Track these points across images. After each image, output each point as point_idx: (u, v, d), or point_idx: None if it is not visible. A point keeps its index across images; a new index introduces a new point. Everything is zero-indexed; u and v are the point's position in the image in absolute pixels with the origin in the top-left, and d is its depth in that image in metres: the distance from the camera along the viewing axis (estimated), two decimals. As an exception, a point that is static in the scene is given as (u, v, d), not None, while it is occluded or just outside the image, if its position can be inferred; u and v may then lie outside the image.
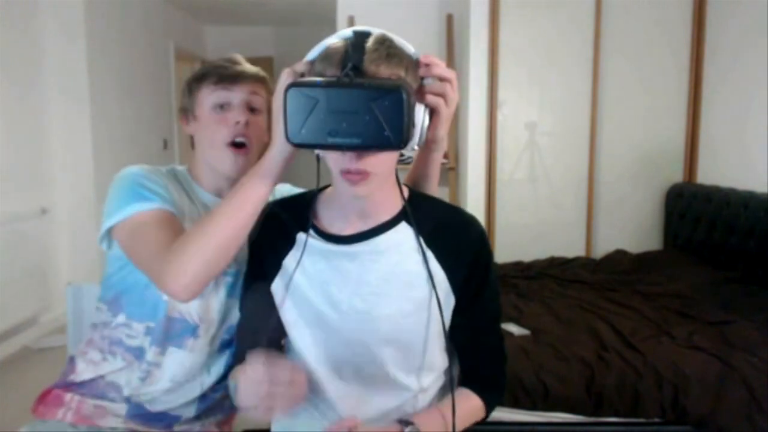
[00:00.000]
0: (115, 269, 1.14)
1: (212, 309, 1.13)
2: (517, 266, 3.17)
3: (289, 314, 0.97)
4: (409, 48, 0.84)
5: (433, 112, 0.88)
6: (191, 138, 1.21)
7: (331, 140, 0.71)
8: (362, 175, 0.82)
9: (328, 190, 1.00)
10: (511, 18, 3.34)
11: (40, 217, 3.46)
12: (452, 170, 3.56)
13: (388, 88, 0.70)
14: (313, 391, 1.01)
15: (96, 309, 1.19)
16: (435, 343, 0.97)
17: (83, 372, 1.15)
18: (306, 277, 0.95)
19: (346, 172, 0.83)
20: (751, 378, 1.80)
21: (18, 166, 3.34)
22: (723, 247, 2.86)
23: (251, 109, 1.15)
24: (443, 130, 0.92)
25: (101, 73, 3.86)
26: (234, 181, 1.15)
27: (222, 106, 1.13)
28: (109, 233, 1.10)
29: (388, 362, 0.95)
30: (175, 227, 1.04)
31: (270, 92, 1.19)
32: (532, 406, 1.85)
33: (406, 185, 1.00)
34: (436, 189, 1.06)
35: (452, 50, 3.69)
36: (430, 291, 0.92)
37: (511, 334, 2.14)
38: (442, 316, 0.91)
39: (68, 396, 1.14)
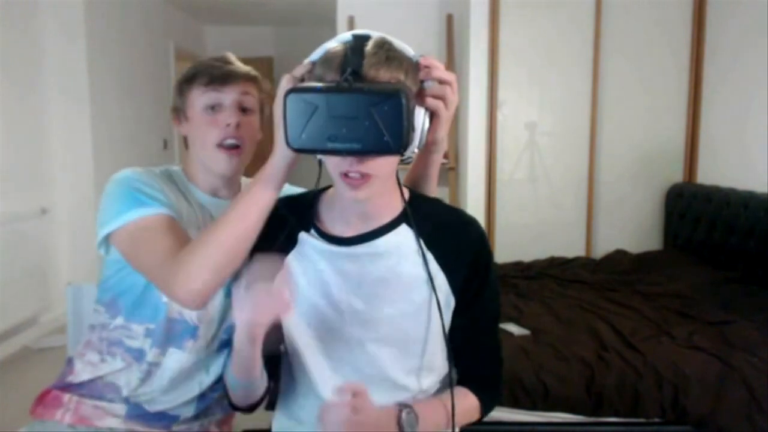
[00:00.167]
0: (113, 272, 1.14)
1: (211, 309, 1.13)
2: (517, 266, 3.17)
3: (297, 314, 0.97)
4: (409, 51, 0.84)
5: (433, 115, 0.88)
6: (185, 138, 1.20)
7: (330, 145, 0.72)
8: (363, 179, 0.82)
9: (330, 191, 1.00)
10: (511, 18, 3.34)
11: (40, 217, 3.46)
12: (452, 170, 3.56)
13: (387, 93, 0.70)
14: (312, 389, 1.01)
15: (94, 311, 1.19)
16: (435, 344, 0.96)
17: (81, 373, 1.15)
18: (306, 276, 0.95)
19: (346, 176, 0.83)
20: (751, 378, 1.80)
21: (18, 166, 3.34)
22: (723, 247, 2.86)
23: (243, 110, 1.14)
24: (443, 132, 0.92)
25: (101, 73, 3.86)
26: (229, 180, 1.17)
27: (213, 108, 1.12)
28: (107, 239, 1.09)
29: (387, 363, 0.95)
30: (177, 232, 1.03)
31: (262, 91, 1.19)
32: (532, 406, 1.85)
33: (406, 186, 1.00)
34: (435, 189, 1.06)
35: (452, 50, 3.69)
36: (429, 293, 0.92)
37: (511, 334, 2.14)
38: (442, 318, 0.91)
39: (66, 397, 1.14)
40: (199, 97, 1.13)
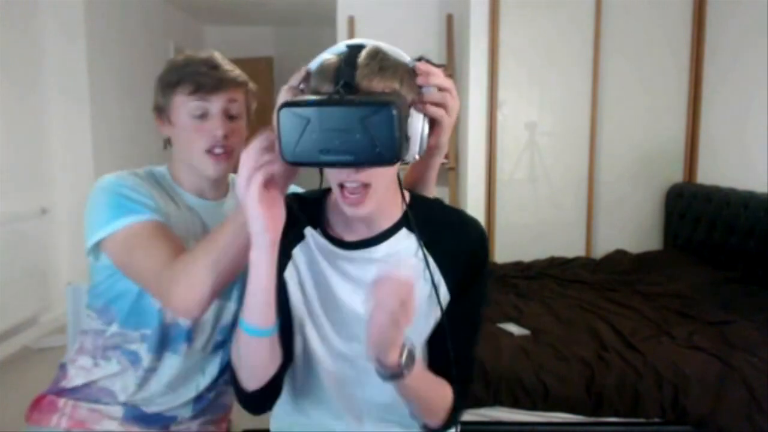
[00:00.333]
0: (103, 278, 1.12)
1: (205, 312, 1.12)
2: (517, 266, 3.17)
3: (297, 303, 0.98)
4: (405, 57, 0.83)
5: (434, 121, 0.87)
6: (167, 138, 1.18)
7: (324, 158, 0.72)
8: (361, 193, 0.82)
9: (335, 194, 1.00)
10: (511, 18, 3.34)
11: (40, 217, 3.46)
12: (452, 170, 3.56)
13: (377, 104, 0.70)
14: (311, 387, 1.01)
15: (86, 316, 1.18)
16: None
17: (74, 378, 1.14)
18: (310, 271, 0.96)
19: (343, 195, 0.83)
20: (751, 378, 1.80)
21: (18, 166, 3.34)
22: (723, 247, 2.86)
23: (230, 117, 1.12)
24: (445, 138, 0.91)
25: (101, 73, 3.86)
26: (215, 181, 1.17)
27: (200, 116, 1.10)
28: (97, 246, 1.07)
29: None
30: (169, 238, 1.02)
31: (248, 93, 1.17)
32: (532, 406, 1.85)
33: (406, 189, 1.00)
34: (434, 190, 1.06)
35: (452, 50, 3.69)
36: (429, 295, 0.92)
37: (511, 334, 2.14)
38: (443, 320, 0.90)
39: (62, 401, 1.13)
40: (185, 104, 1.10)
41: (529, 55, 3.40)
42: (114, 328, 1.13)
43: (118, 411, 1.13)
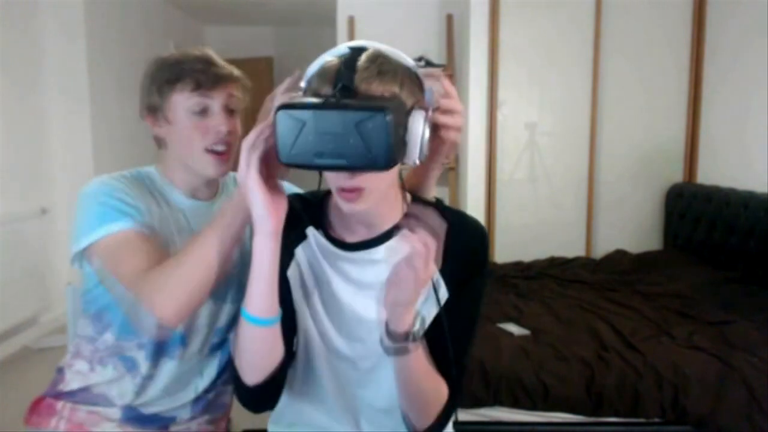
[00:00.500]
0: (93, 284, 1.12)
1: (199, 315, 1.12)
2: (517, 266, 3.17)
3: (299, 302, 0.98)
4: (407, 60, 0.82)
5: (438, 131, 0.87)
6: (158, 137, 1.15)
7: (318, 161, 0.72)
8: (357, 192, 0.82)
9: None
10: (511, 18, 3.34)
11: (40, 217, 3.46)
12: (452, 170, 3.56)
13: (372, 110, 0.70)
14: (310, 387, 1.01)
15: (81, 320, 1.18)
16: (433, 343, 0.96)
17: (71, 382, 1.14)
18: (313, 272, 0.96)
19: (340, 190, 0.83)
20: (751, 378, 1.80)
21: (18, 166, 3.34)
22: (723, 247, 2.86)
23: (229, 111, 1.11)
24: (452, 155, 0.91)
25: (101, 73, 3.86)
26: (211, 180, 1.16)
27: (200, 112, 1.09)
28: (81, 254, 1.07)
29: (384, 362, 0.95)
30: (151, 246, 1.02)
31: (245, 90, 1.16)
32: (532, 406, 1.85)
33: (409, 192, 1.00)
34: (434, 191, 1.06)
35: (452, 50, 3.69)
36: (428, 295, 0.92)
37: (511, 334, 2.14)
38: (445, 322, 0.90)
39: (60, 404, 1.13)
40: (185, 102, 1.08)
41: (529, 55, 3.40)
42: (109, 335, 1.12)
43: (116, 413, 1.12)
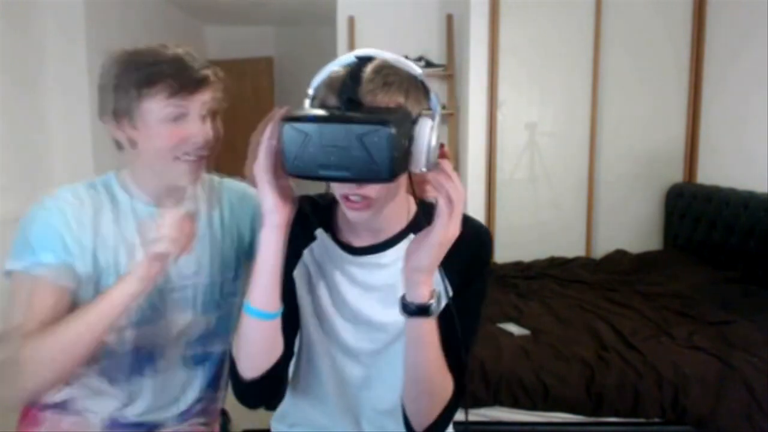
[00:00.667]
0: None
1: (175, 326, 1.10)
2: (517, 266, 3.17)
3: (304, 303, 0.98)
4: (413, 69, 0.82)
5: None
6: (117, 141, 1.06)
7: (322, 173, 0.74)
8: (362, 203, 0.84)
9: None
10: (511, 18, 3.34)
11: (40, 217, 3.45)
12: (452, 170, 3.56)
13: (375, 123, 0.71)
14: (312, 387, 1.01)
15: None
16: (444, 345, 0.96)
17: (54, 394, 1.11)
18: (320, 274, 0.97)
19: (346, 200, 0.85)
20: (751, 378, 1.80)
21: (18, 165, 3.34)
22: (723, 247, 2.86)
23: (206, 117, 1.03)
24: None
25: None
26: (177, 188, 1.07)
27: (176, 118, 1.00)
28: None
29: (390, 363, 0.95)
30: (51, 301, 0.98)
31: (224, 90, 1.07)
32: (532, 406, 1.85)
33: (414, 196, 1.00)
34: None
35: (452, 50, 3.69)
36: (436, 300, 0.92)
37: (511, 334, 2.15)
38: (456, 325, 0.90)
39: (43, 415, 1.12)
40: (160, 110, 0.98)
41: (529, 55, 3.40)
42: None
43: (100, 423, 1.11)
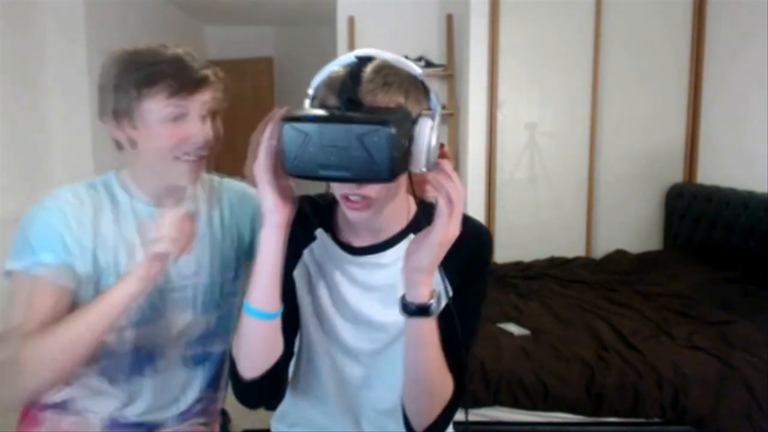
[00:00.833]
0: None
1: (175, 326, 1.10)
2: (517, 266, 3.17)
3: (304, 302, 0.98)
4: (413, 69, 0.82)
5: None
6: (118, 141, 1.06)
7: (322, 172, 0.74)
8: (362, 203, 0.84)
9: None
10: (511, 18, 3.34)
11: (40, 217, 3.45)
12: (452, 170, 3.56)
13: (375, 123, 0.71)
14: (311, 387, 1.01)
15: None
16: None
17: (54, 394, 1.11)
18: (320, 274, 0.97)
19: (346, 200, 0.85)
20: (751, 378, 1.80)
21: (18, 165, 3.34)
22: (723, 247, 2.86)
23: (206, 117, 1.03)
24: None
25: (101, 73, 3.85)
26: (178, 188, 1.07)
27: (176, 118, 1.00)
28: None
29: (389, 363, 0.95)
30: (51, 301, 0.98)
31: (224, 89, 1.07)
32: (532, 406, 1.85)
33: (414, 196, 1.00)
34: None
35: (452, 50, 3.69)
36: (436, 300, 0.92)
37: (511, 334, 2.15)
38: (456, 325, 0.90)
39: (43, 415, 1.12)
40: (160, 110, 0.98)
41: (529, 55, 3.40)
42: None
43: (100, 423, 1.11)
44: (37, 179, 3.55)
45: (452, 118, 3.63)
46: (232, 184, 1.23)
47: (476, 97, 3.36)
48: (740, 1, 3.00)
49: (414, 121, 0.77)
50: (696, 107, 3.30)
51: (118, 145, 1.07)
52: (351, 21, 3.76)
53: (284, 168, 0.76)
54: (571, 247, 3.39)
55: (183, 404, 1.16)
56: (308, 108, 0.81)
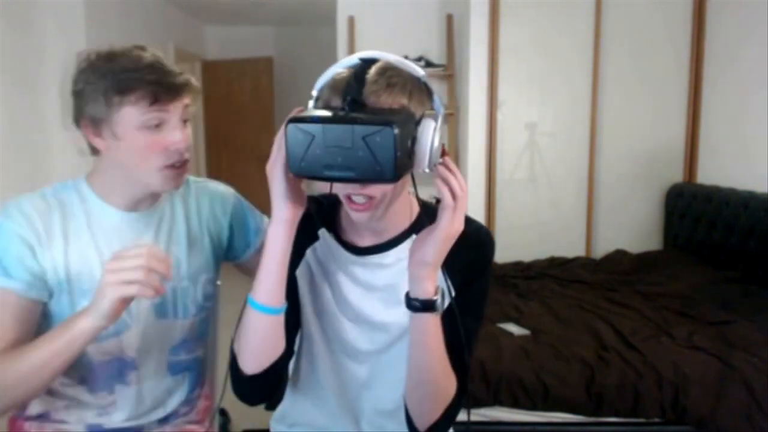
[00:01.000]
0: None
1: (146, 336, 1.09)
2: (517, 266, 3.17)
3: (306, 302, 0.98)
4: (417, 71, 0.83)
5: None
6: (92, 146, 1.04)
7: (327, 173, 0.74)
8: (367, 203, 0.85)
9: None
10: (511, 18, 3.34)
11: (40, 217, 3.45)
12: (452, 170, 3.56)
13: (379, 124, 0.72)
14: (312, 387, 1.01)
15: None
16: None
17: (33, 406, 1.11)
18: (323, 273, 0.97)
19: (349, 201, 0.85)
20: (751, 378, 1.80)
21: (18, 165, 3.34)
22: (723, 247, 2.86)
23: (185, 121, 1.02)
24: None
25: (101, 73, 3.85)
26: (153, 194, 1.06)
27: (155, 126, 0.97)
28: None
29: (391, 364, 0.95)
30: (21, 316, 0.96)
31: (197, 94, 1.05)
32: (532, 406, 1.85)
33: (417, 197, 1.00)
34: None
35: (452, 50, 3.69)
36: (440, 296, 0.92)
37: (511, 334, 2.15)
38: (458, 325, 0.90)
39: (28, 424, 1.11)
40: (140, 117, 0.96)
41: (529, 55, 3.40)
42: None
43: (83, 429, 1.10)
44: (37, 179, 3.55)
45: (452, 118, 3.63)
46: (208, 184, 1.22)
47: (476, 97, 3.36)
48: (740, 1, 3.00)
49: (417, 122, 0.78)
50: (696, 107, 3.30)
51: (93, 151, 1.05)
52: (351, 21, 3.76)
53: (290, 169, 0.77)
54: (571, 247, 3.39)
55: (169, 408, 1.16)
56: (312, 109, 0.82)
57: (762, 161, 2.77)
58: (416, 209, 0.98)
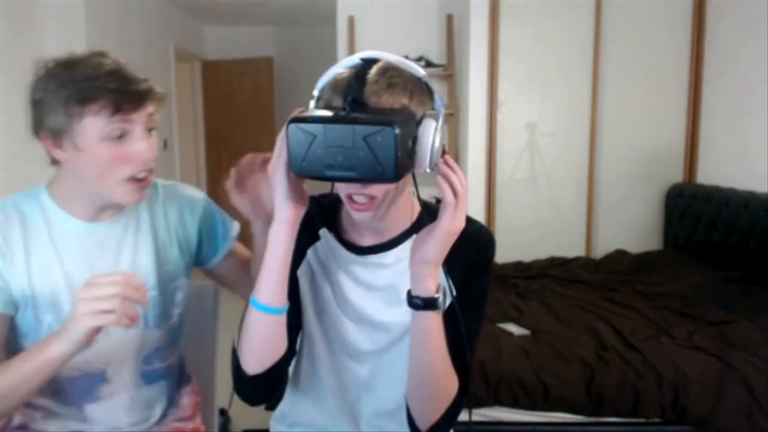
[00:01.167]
0: None
1: (115, 349, 1.06)
2: (517, 266, 3.17)
3: (307, 301, 0.98)
4: (417, 71, 0.83)
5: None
6: (53, 158, 0.99)
7: (329, 173, 0.75)
8: (368, 203, 0.85)
9: None
10: (511, 18, 3.34)
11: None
12: (452, 170, 3.56)
13: (380, 123, 0.72)
14: (312, 387, 1.01)
15: None
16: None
17: (15, 417, 1.09)
18: (324, 273, 0.98)
19: (351, 201, 0.86)
20: (751, 378, 1.80)
21: (18, 165, 3.34)
22: (723, 247, 2.86)
23: (149, 130, 0.99)
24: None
25: (101, 73, 3.85)
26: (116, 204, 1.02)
27: (118, 137, 0.94)
28: None
29: (392, 364, 0.95)
30: None
31: (161, 102, 1.02)
32: (532, 406, 1.85)
33: (418, 198, 1.00)
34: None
35: (452, 50, 3.69)
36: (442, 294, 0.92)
37: (511, 334, 2.15)
38: (460, 324, 0.90)
39: None
40: (102, 127, 0.92)
41: (529, 55, 3.40)
42: None
43: None
44: (37, 179, 3.54)
45: (452, 118, 3.63)
46: (178, 188, 1.19)
47: (476, 97, 3.36)
48: (740, 1, 3.00)
49: (418, 122, 0.78)
50: (696, 107, 3.30)
51: (54, 161, 1.00)
52: (351, 21, 3.76)
53: (291, 169, 0.77)
54: (571, 247, 3.39)
55: (154, 417, 1.14)
56: (314, 109, 0.82)
57: (762, 161, 2.77)
58: (417, 209, 0.98)
